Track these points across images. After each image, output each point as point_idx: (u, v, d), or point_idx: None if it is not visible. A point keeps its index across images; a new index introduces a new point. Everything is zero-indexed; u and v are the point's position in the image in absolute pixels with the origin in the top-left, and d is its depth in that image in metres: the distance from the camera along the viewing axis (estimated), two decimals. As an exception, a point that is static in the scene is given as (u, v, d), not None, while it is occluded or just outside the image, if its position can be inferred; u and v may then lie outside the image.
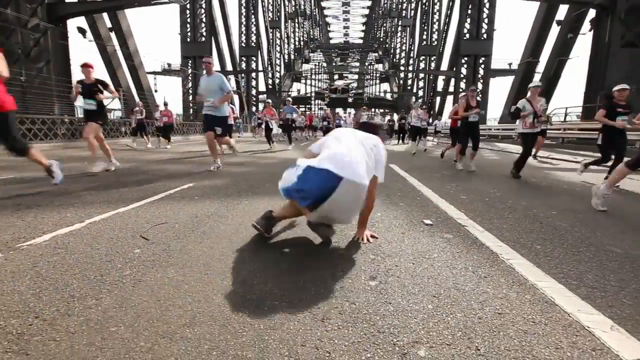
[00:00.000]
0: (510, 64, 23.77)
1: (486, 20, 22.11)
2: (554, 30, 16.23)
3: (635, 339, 1.07)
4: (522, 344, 1.05)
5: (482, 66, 22.80)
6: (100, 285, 1.40)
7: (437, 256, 1.78)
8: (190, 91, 24.98)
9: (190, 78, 25.12)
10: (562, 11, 15.59)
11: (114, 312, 1.21)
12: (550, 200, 3.33)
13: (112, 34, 17.08)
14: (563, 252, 1.86)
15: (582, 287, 1.44)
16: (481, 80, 22.77)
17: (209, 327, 1.12)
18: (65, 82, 12.77)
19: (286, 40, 50.55)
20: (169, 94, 38.73)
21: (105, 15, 16.49)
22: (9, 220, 2.34)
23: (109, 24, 16.88)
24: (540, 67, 17.40)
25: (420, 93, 35.45)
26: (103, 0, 15.31)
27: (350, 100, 46.15)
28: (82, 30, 15.69)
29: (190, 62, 25.07)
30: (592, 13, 14.60)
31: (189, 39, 25.01)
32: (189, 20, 24.91)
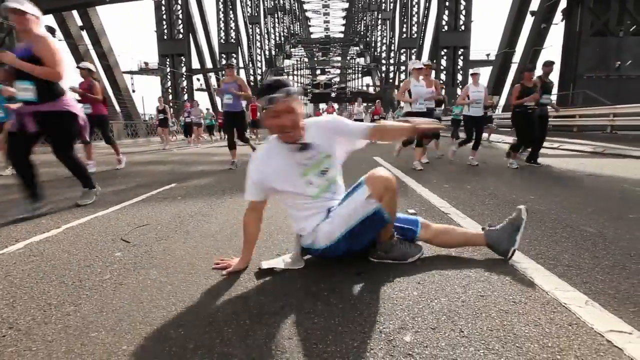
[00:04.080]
0: (488, 55, 24.32)
1: (464, 12, 22.48)
2: (529, 20, 16.68)
3: (607, 312, 1.12)
4: (504, 324, 1.08)
5: (461, 57, 23.23)
6: (79, 291, 1.35)
7: (421, 244, 1.80)
8: (170, 90, 24.35)
9: (169, 76, 24.47)
10: (536, 1, 16.02)
11: (94, 317, 1.17)
12: (530, 186, 3.45)
13: (84, 33, 16.41)
14: (541, 234, 1.92)
15: (559, 266, 1.50)
16: (460, 72, 23.20)
17: (193, 326, 1.10)
18: (35, 84, 12.18)
19: (266, 36, 49.88)
20: (147, 94, 37.76)
21: (75, 13, 15.79)
22: (-22, 229, 2.22)
23: (79, 22, 16.19)
24: (517, 57, 17.86)
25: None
26: (71, -4, 14.67)
27: (333, 94, 46.12)
28: (50, 29, 14.97)
29: (168, 60, 24.40)
30: (563, 3, 15.07)
31: (165, 37, 24.32)
32: (164, 17, 24.19)
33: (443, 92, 7.68)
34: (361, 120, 11.40)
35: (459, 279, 1.40)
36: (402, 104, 6.01)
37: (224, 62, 33.26)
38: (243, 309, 1.20)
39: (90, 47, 16.54)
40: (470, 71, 5.44)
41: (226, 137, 5.55)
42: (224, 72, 5.50)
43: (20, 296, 1.33)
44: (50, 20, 15.32)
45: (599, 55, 13.80)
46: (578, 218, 2.21)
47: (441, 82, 23.72)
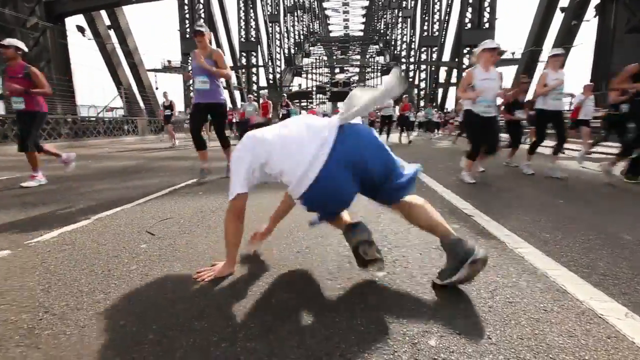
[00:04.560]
0: (513, 53, 23.39)
1: (488, 9, 21.75)
2: (558, 17, 15.94)
3: (650, 326, 1.05)
4: (535, 332, 1.04)
5: (485, 56, 22.49)
6: (108, 280, 1.40)
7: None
8: (191, 87, 24.91)
9: (191, 74, 25.03)
10: (567, -3, 15.27)
11: (122, 306, 1.21)
12: (557, 189, 3.30)
13: (111, 32, 17.02)
14: (572, 240, 1.83)
15: (593, 275, 1.42)
16: (484, 71, 22.48)
17: (217, 319, 1.12)
18: (66, 81, 12.80)
19: (286, 35, 50.17)
20: (170, 91, 38.73)
21: (103, 12, 16.41)
22: (16, 217, 2.35)
23: (107, 22, 16.81)
24: (544, 56, 17.13)
25: (422, 85, 35.14)
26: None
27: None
28: (80, 29, 15.64)
29: (190, 58, 24.96)
30: (597, -1, 14.31)
31: (188, 36, 24.87)
32: (187, 16, 24.73)
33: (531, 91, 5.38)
34: (390, 116, 9.74)
35: (486, 284, 1.35)
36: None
37: (244, 60, 33.61)
38: (266, 305, 1.21)
39: (117, 45, 17.16)
40: (549, 53, 4.07)
41: (191, 131, 3.82)
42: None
43: (54, 282, 1.39)
44: (80, 20, 16.01)
45: (635, 53, 13.02)
46: (614, 225, 2.10)
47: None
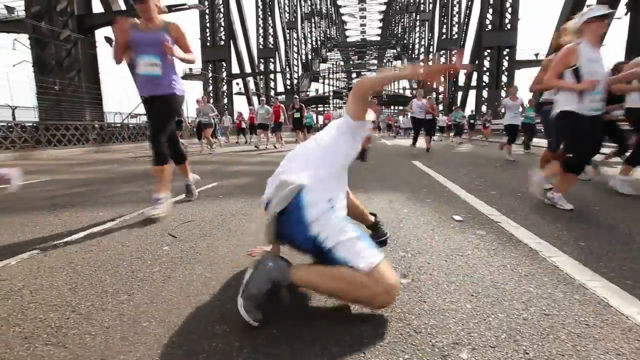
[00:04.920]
0: (537, 54, 22.64)
1: (510, 10, 21.20)
2: (586, 16, 15.25)
3: None
4: (577, 349, 0.96)
5: (507, 58, 21.90)
6: (132, 281, 1.42)
7: (470, 253, 1.68)
8: (211, 94, 25.58)
9: (211, 81, 25.72)
10: (595, -4, 14.63)
11: (145, 307, 1.21)
12: (593, 195, 3.12)
13: (137, 42, 17.73)
14: (612, 249, 1.71)
15: (639, 287, 1.31)
16: (505, 73, 21.88)
17: (238, 323, 1.10)
18: (94, 89, 13.43)
19: (303, 41, 50.77)
20: (191, 98, 39.77)
21: (130, 24, 17.14)
22: (47, 219, 2.45)
23: (134, 32, 17.54)
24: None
25: (441, 88, 34.54)
26: (126, 10, 15.95)
27: (368, 98, 45.69)
28: (108, 40, 16.33)
29: (210, 65, 25.67)
30: (628, -5, 13.62)
31: (208, 44, 25.62)
32: (208, 25, 25.52)
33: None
34: (420, 120, 8.24)
35: (518, 294, 1.27)
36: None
37: (262, 67, 34.19)
38: (288, 311, 1.18)
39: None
40: None
41: (151, 141, 2.45)
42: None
43: (81, 282, 1.42)
44: (108, 31, 16.79)
45: (672, 51, 12.28)
46: (656, 233, 1.94)
47: (484, 84, 22.53)
